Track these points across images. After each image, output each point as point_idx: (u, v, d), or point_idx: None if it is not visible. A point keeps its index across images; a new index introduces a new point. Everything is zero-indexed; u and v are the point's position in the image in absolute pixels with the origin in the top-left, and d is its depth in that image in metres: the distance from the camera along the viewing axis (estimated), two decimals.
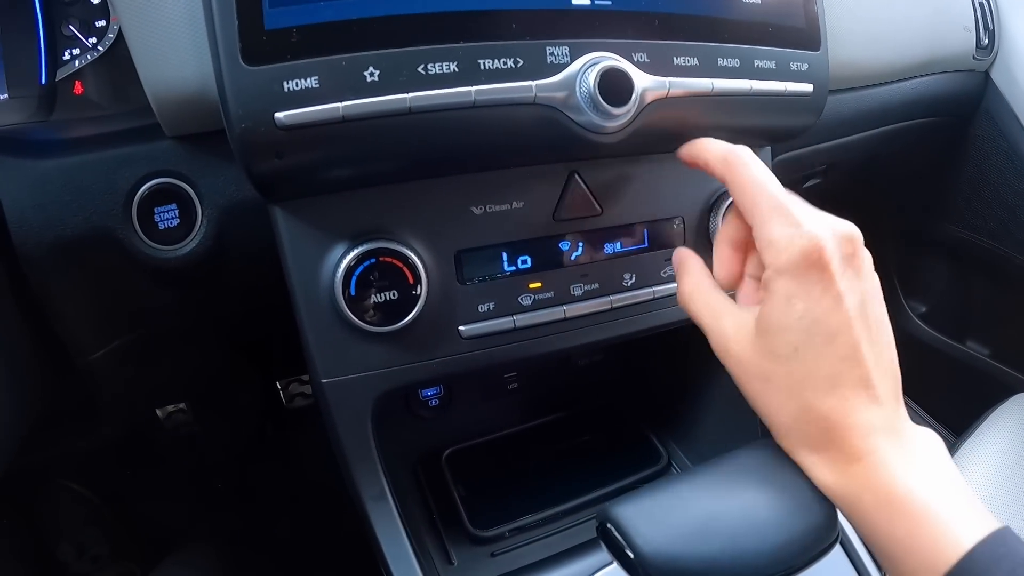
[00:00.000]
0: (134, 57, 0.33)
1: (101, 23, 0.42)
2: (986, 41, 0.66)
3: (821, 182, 0.66)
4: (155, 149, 0.35)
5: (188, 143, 0.36)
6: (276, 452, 0.75)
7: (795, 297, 0.27)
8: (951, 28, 0.62)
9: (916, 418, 0.89)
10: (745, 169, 0.30)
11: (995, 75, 0.68)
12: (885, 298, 0.30)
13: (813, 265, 0.27)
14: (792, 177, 0.59)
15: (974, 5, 0.64)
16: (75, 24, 0.42)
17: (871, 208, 0.86)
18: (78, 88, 0.43)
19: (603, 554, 0.41)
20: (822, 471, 0.27)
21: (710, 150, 0.32)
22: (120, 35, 0.42)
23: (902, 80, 0.58)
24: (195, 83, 0.33)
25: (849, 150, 0.60)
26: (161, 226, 0.36)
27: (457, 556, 0.43)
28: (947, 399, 0.84)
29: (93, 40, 0.42)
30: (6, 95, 0.42)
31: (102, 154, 0.36)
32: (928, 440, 0.28)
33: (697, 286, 0.32)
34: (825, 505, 0.27)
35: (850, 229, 0.29)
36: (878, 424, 0.27)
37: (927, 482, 0.25)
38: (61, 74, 0.42)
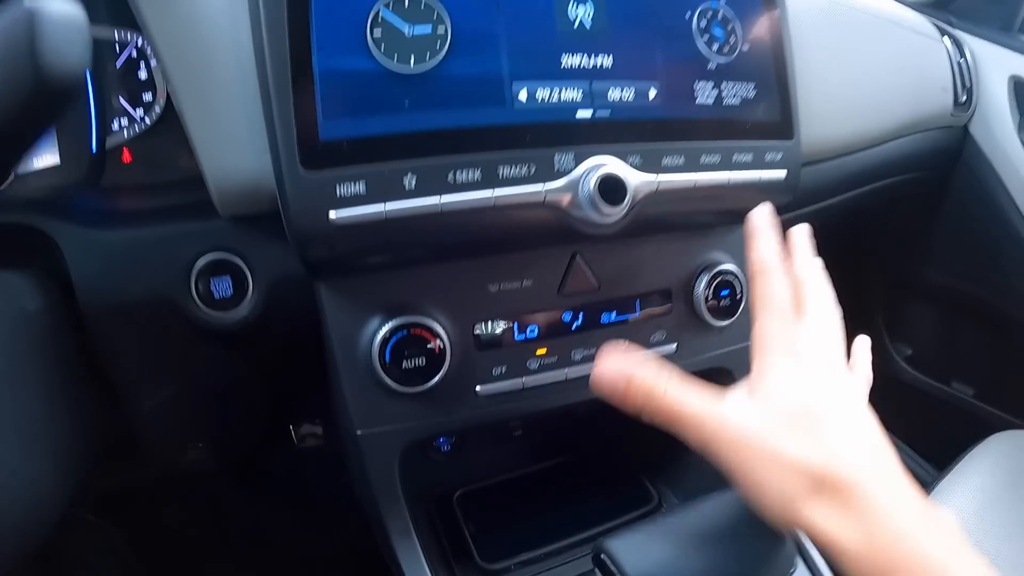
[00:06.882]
0: (197, 151, 0.38)
1: (148, 97, 0.45)
2: (964, 98, 0.68)
3: None
4: (211, 227, 0.40)
5: (241, 222, 0.40)
6: (288, 490, 0.78)
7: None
8: (929, 91, 0.65)
9: (901, 455, 0.92)
10: None
11: (973, 129, 0.70)
12: (873, 343, 0.32)
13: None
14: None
15: (951, 65, 0.66)
16: (124, 96, 0.45)
17: (856, 257, 0.89)
18: (126, 156, 0.45)
19: None
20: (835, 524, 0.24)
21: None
22: (166, 109, 0.45)
23: (883, 143, 0.61)
24: (252, 175, 0.38)
25: (832, 211, 0.62)
26: (216, 295, 0.41)
27: None
28: (932, 437, 0.86)
29: (140, 112, 0.45)
30: (58, 160, 0.44)
31: (162, 229, 0.40)
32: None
33: (671, 377, 0.28)
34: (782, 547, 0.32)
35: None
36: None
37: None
38: (110, 143, 0.44)
